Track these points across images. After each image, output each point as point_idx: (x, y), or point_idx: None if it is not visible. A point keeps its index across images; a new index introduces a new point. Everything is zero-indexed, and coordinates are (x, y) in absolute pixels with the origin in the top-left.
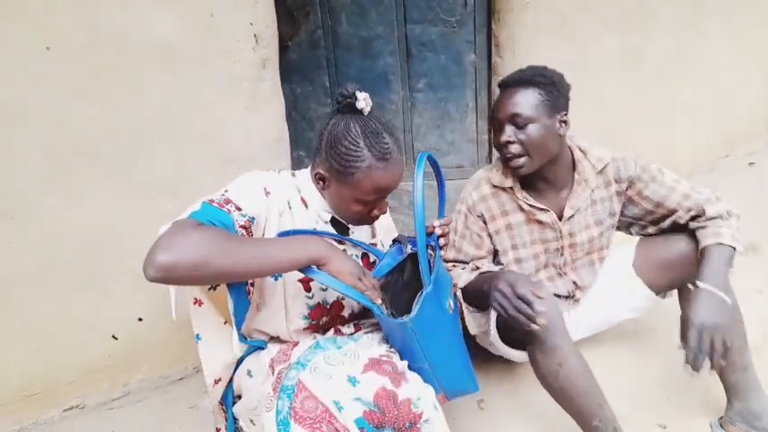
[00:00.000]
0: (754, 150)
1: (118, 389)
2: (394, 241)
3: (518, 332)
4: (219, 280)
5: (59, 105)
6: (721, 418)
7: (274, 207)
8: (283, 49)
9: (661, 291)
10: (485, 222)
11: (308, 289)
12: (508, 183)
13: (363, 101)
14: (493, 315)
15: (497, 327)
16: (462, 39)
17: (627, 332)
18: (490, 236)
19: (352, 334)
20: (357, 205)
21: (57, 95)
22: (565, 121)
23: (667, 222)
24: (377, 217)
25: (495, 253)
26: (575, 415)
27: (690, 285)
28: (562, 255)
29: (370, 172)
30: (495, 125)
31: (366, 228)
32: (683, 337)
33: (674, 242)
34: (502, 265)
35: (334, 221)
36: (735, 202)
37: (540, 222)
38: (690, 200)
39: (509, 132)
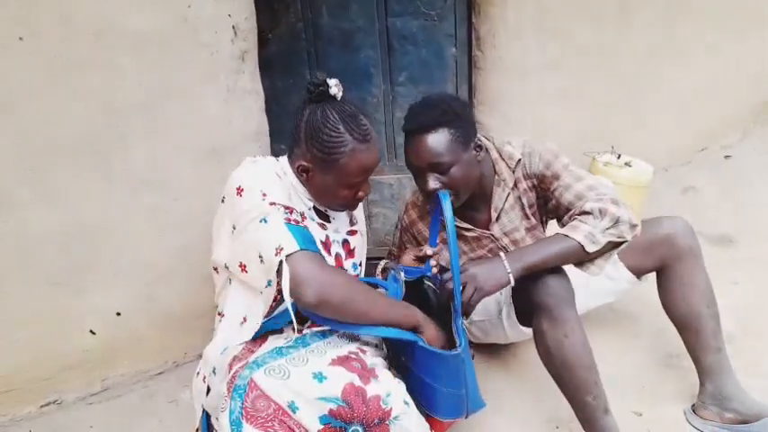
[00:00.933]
0: (729, 144)
1: (96, 384)
2: (383, 270)
3: (527, 303)
4: (350, 317)
5: (33, 97)
6: (694, 403)
7: (287, 187)
8: (264, 41)
9: (642, 273)
10: (418, 243)
11: None
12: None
13: (335, 87)
14: (507, 295)
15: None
16: (443, 32)
17: (604, 321)
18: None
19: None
20: (344, 190)
21: (30, 87)
22: (479, 146)
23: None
24: (362, 199)
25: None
26: (571, 389)
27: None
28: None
29: (354, 155)
30: (414, 171)
31: (344, 216)
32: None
33: (659, 223)
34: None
35: (315, 210)
36: (711, 195)
37: (473, 237)
38: (582, 200)
39: (433, 181)
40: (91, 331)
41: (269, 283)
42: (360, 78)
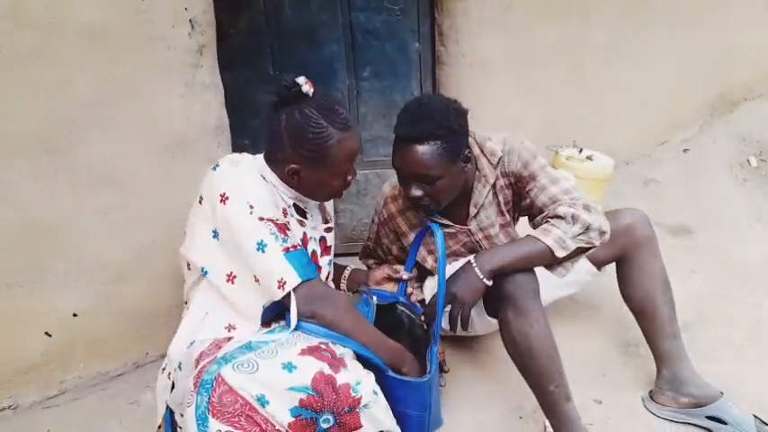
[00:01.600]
0: (688, 137)
1: (53, 387)
2: (354, 291)
3: (494, 294)
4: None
5: None
6: (652, 390)
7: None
8: (226, 35)
9: (602, 264)
10: (397, 236)
11: None
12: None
13: (306, 84)
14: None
15: None
16: (407, 27)
17: (566, 312)
18: (404, 248)
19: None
20: (336, 180)
21: None
22: (468, 158)
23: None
24: (350, 183)
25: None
26: (534, 378)
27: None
28: (482, 248)
29: (341, 145)
30: (398, 174)
31: (318, 213)
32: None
33: (619, 214)
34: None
35: (294, 207)
36: (670, 188)
37: (448, 232)
38: (556, 203)
39: (416, 190)
40: (47, 333)
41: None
42: (324, 73)
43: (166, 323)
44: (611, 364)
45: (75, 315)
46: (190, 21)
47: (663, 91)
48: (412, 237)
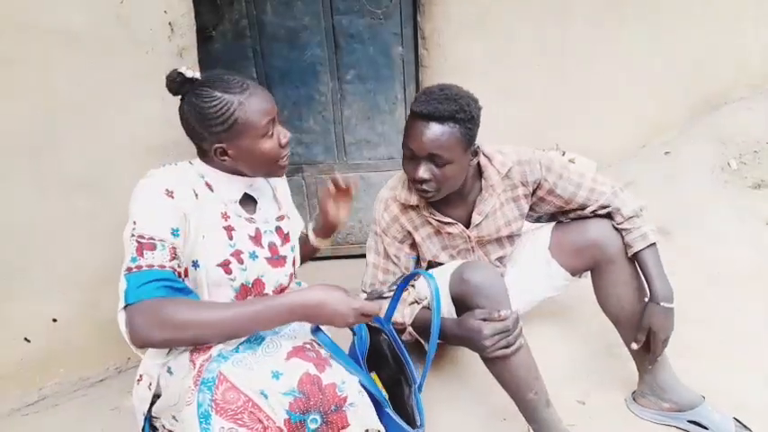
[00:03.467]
0: (668, 140)
1: (33, 394)
2: None
3: (466, 306)
4: (191, 343)
5: None
6: (634, 392)
7: (184, 203)
8: (207, 38)
9: (576, 272)
10: (400, 242)
11: (228, 272)
12: (414, 200)
13: (188, 70)
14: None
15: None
16: (389, 31)
17: (547, 313)
18: (413, 245)
19: None
20: (264, 143)
21: None
22: (476, 152)
23: (575, 213)
24: (287, 145)
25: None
26: (512, 387)
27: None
28: (474, 252)
29: (245, 106)
30: (409, 154)
31: (272, 203)
32: (643, 341)
33: (587, 228)
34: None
35: (243, 201)
36: (651, 190)
37: (449, 233)
38: (596, 193)
39: (424, 170)
40: (26, 339)
41: None
42: (307, 76)
43: None
44: (594, 365)
45: (54, 320)
46: (169, 24)
47: (644, 94)
48: (418, 236)
